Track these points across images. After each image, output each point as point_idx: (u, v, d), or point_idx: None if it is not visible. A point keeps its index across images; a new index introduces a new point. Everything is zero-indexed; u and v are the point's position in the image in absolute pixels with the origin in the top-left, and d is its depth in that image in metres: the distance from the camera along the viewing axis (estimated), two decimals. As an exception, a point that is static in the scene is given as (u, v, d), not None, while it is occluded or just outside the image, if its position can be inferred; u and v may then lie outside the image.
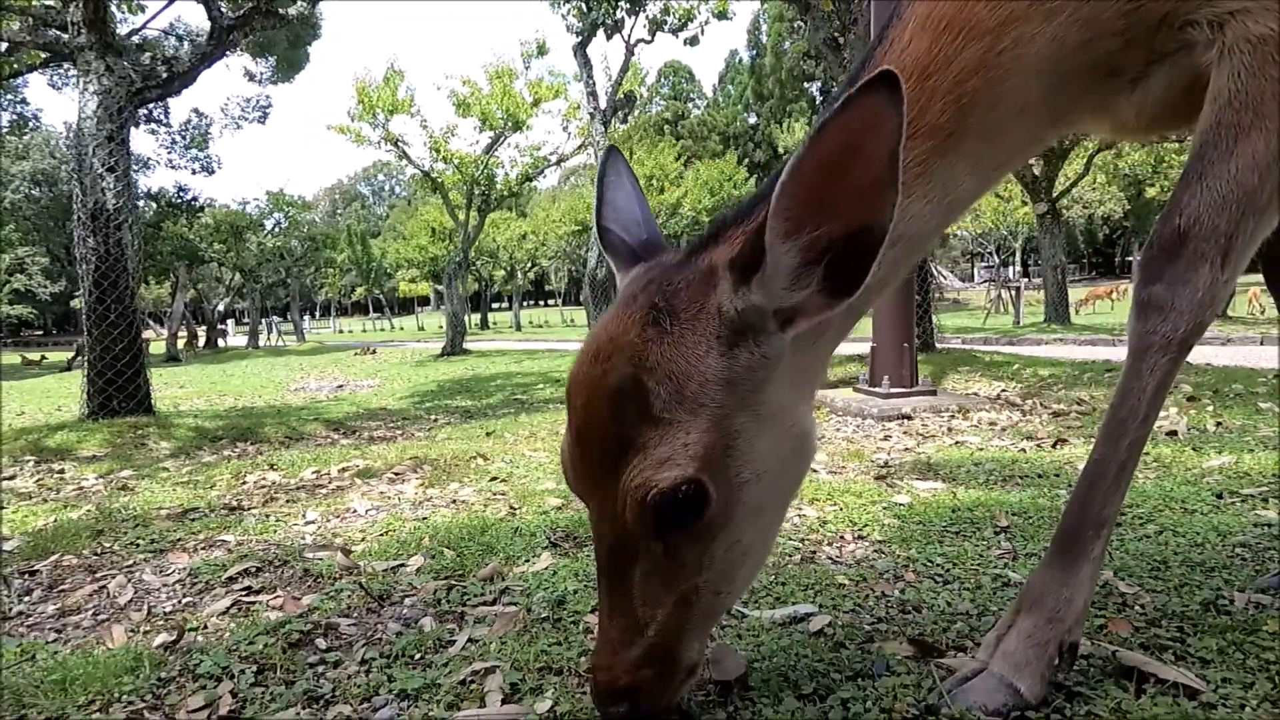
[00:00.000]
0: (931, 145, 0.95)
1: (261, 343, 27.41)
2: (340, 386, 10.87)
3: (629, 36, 13.24)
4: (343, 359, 16.63)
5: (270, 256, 26.87)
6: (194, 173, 24.63)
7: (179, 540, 2.31)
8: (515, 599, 1.59)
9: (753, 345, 0.88)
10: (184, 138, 24.14)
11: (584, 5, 11.91)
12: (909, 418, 4.59)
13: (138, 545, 2.27)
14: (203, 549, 2.21)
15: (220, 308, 30.73)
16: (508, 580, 1.72)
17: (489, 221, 22.13)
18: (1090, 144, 14.04)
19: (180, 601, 1.76)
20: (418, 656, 1.34)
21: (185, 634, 1.51)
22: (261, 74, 17.00)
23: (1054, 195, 14.30)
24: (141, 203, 25.79)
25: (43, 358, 21.00)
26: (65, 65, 9.78)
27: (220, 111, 24.90)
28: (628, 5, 12.62)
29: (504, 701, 1.12)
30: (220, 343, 28.18)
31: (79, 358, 19.18)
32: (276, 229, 27.36)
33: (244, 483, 3.44)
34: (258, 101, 25.15)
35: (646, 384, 0.85)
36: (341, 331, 44.56)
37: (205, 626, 1.55)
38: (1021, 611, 1.07)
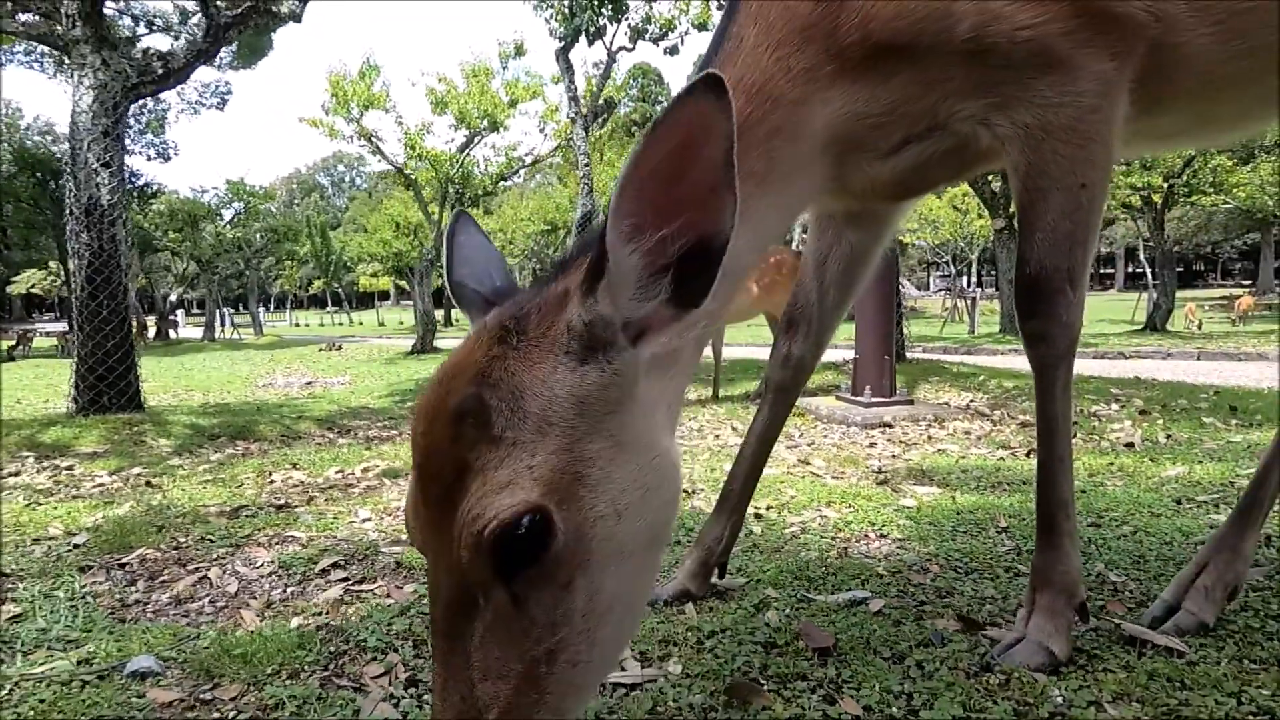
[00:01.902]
0: (752, 187, 1.03)
1: (216, 335, 26.70)
2: (310, 383, 10.79)
3: (611, 43, 13.47)
4: (307, 354, 16.39)
5: (229, 247, 26.21)
6: (149, 159, 23.89)
7: (249, 536, 2.46)
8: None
9: (604, 362, 0.83)
10: (139, 121, 23.39)
11: (568, 11, 12.08)
12: (890, 425, 4.94)
13: (210, 541, 2.41)
14: (277, 544, 2.38)
15: (173, 298, 29.80)
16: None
17: (459, 219, 21.98)
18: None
19: (286, 590, 1.94)
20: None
21: (319, 617, 1.70)
22: (221, 59, 16.66)
23: (1010, 211, 15.03)
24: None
25: (-21, 347, 20.11)
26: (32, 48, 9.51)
27: (177, 96, 24.20)
28: (610, 12, 12.83)
29: (642, 667, 1.36)
30: (171, 334, 27.35)
31: (20, 346, 18.48)
32: (236, 219, 26.70)
33: (272, 481, 3.56)
34: (216, 87, 24.53)
35: (488, 401, 0.80)
36: (299, 325, 43.56)
37: (328, 612, 1.74)
38: (1038, 591, 1.36)
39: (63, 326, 24.23)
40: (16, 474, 4.07)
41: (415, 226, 25.41)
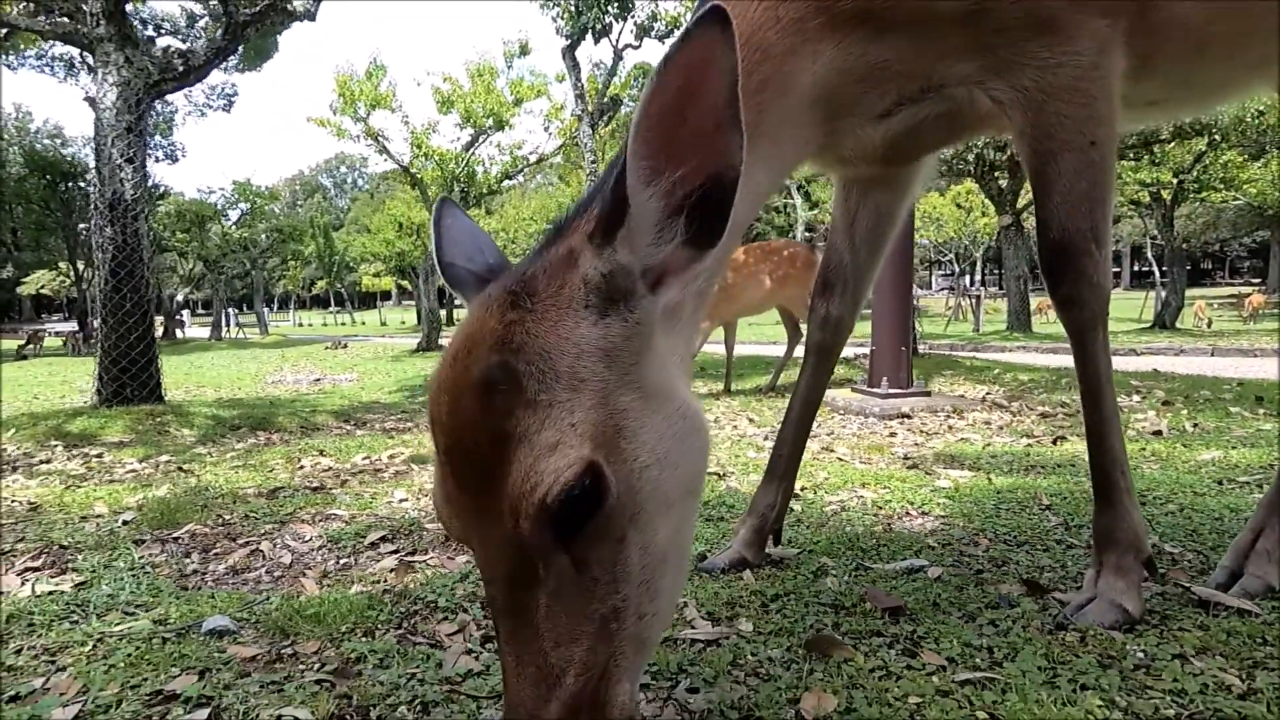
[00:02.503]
0: None
1: (222, 334, 26.78)
2: (318, 380, 10.82)
3: (617, 41, 13.51)
4: (313, 353, 16.45)
5: (234, 247, 26.31)
6: (157, 160, 24.00)
7: (291, 514, 2.48)
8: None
9: (625, 311, 0.82)
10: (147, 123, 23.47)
11: (574, 9, 12.11)
12: (908, 416, 4.95)
13: (254, 518, 2.43)
14: (320, 521, 2.40)
15: (179, 298, 29.91)
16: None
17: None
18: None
19: (339, 562, 1.96)
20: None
21: (379, 584, 1.71)
22: (228, 62, 16.75)
23: (1018, 208, 15.04)
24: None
25: (-8, 346, 20.31)
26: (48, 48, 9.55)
27: (184, 98, 24.31)
28: (616, 10, 12.86)
29: (713, 625, 1.37)
30: (178, 334, 27.46)
31: (31, 345, 18.61)
32: (243, 219, 26.79)
33: (302, 466, 3.59)
34: (223, 89, 24.62)
35: (516, 367, 0.77)
36: (302, 325, 43.66)
37: (387, 579, 1.76)
38: (1103, 552, 1.38)
39: (71, 326, 24.38)
40: (48, 461, 4.11)
41: (418, 226, 25.45)
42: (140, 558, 2.00)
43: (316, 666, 1.28)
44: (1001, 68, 1.23)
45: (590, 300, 0.82)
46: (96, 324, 5.98)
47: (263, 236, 27.28)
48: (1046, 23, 1.20)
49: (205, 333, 27.72)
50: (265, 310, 33.93)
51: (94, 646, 1.38)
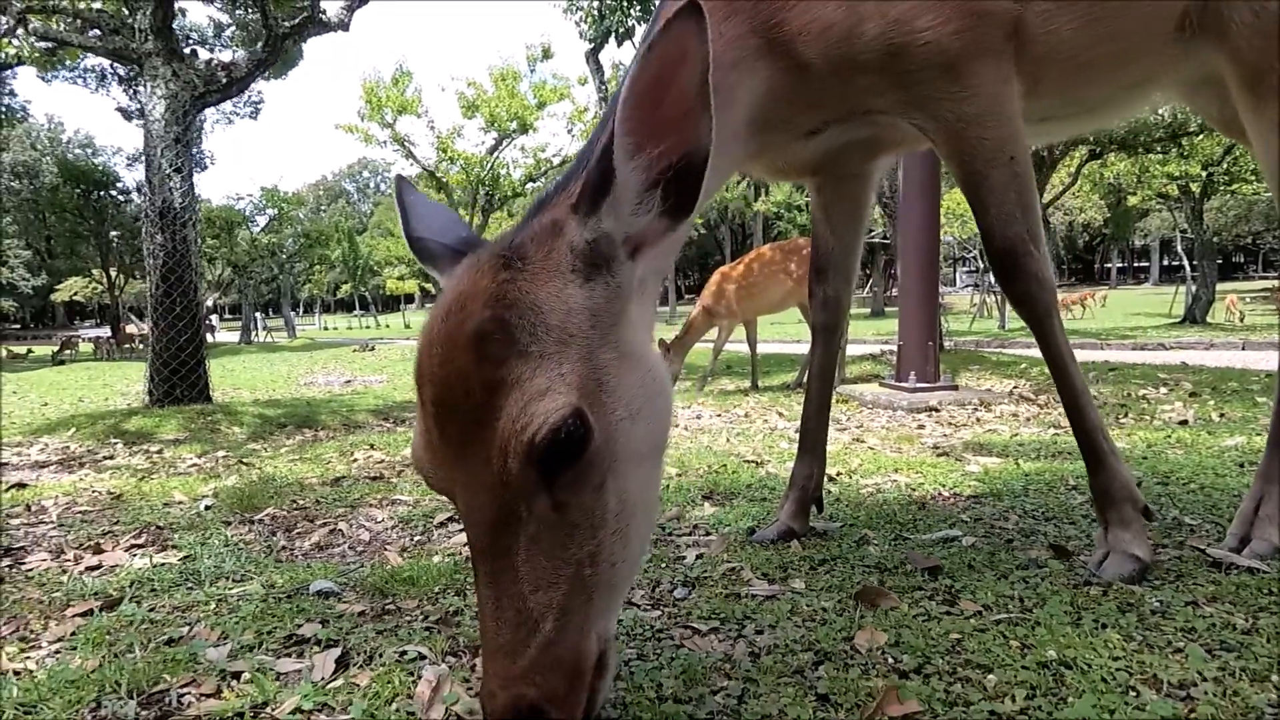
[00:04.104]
0: None
1: (251, 338, 27.36)
2: (349, 381, 11.08)
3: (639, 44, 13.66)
4: (342, 355, 16.78)
5: (262, 253, 26.88)
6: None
7: (359, 499, 2.66)
8: (710, 531, 1.99)
9: (608, 275, 0.90)
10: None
11: (597, 13, 12.30)
12: (936, 410, 5.04)
13: (326, 503, 2.62)
14: (388, 505, 2.57)
15: (209, 303, 30.58)
16: (690, 521, 2.11)
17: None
18: (1079, 154, 14.71)
19: (414, 539, 2.13)
20: (671, 566, 1.73)
21: (458, 557, 1.88)
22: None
23: (1043, 204, 14.96)
24: (136, 196, 25.70)
25: (29, 351, 21.00)
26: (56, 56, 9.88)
27: (213, 106, 24.86)
28: (640, 13, 13.02)
29: (769, 584, 1.52)
30: (208, 338, 28.04)
31: (67, 350, 19.20)
32: (270, 225, 27.37)
33: (355, 459, 3.78)
34: (250, 97, 25.16)
35: (509, 320, 0.83)
36: (328, 328, 44.34)
37: (461, 552, 1.93)
38: (1105, 510, 1.51)
39: (103, 332, 25.08)
40: (111, 457, 4.35)
41: (444, 230, 25.82)
42: (232, 535, 2.19)
43: (420, 618, 1.44)
44: (920, 102, 1.40)
45: (577, 265, 0.89)
46: (148, 327, 6.26)
47: (290, 242, 27.85)
48: (951, 61, 1.35)
49: (234, 337, 28.32)
50: (292, 314, 34.59)
51: (217, 605, 1.56)
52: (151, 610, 1.55)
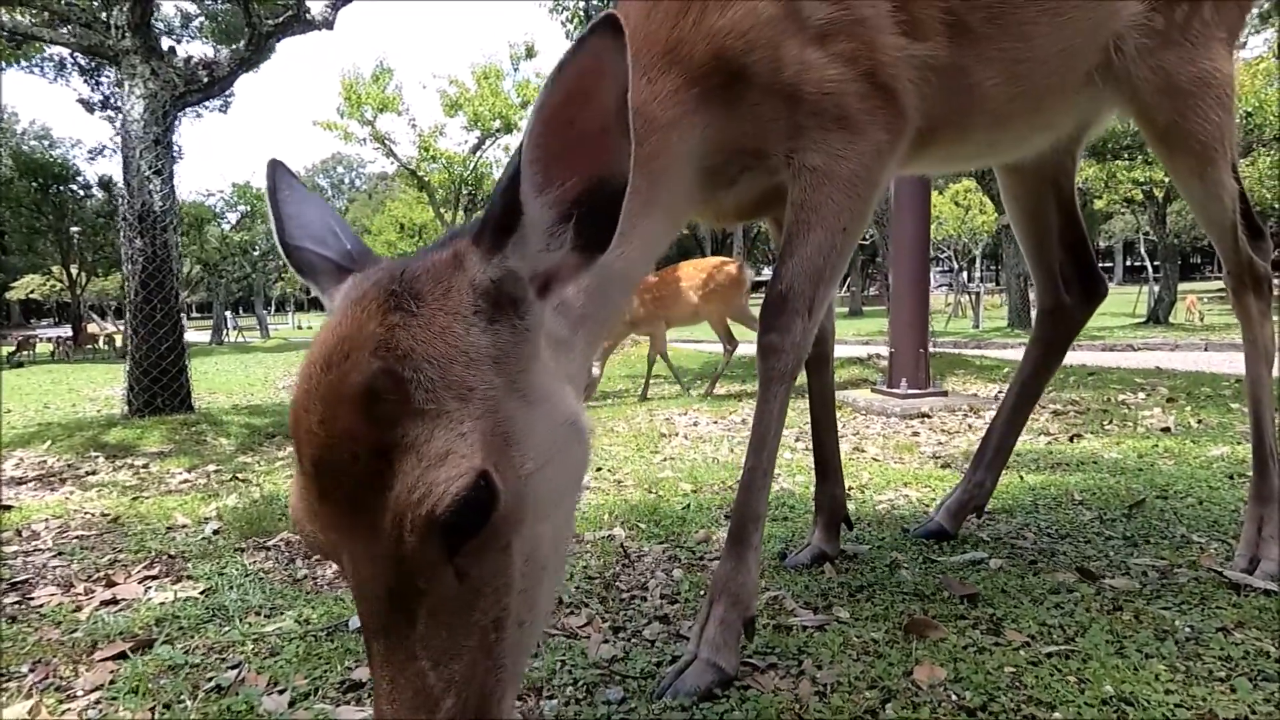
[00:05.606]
0: (638, 206, 1.09)
1: (223, 339, 26.79)
2: (329, 385, 10.88)
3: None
4: (320, 357, 16.52)
5: (234, 250, 26.34)
6: (155, 163, 23.93)
7: (371, 520, 2.63)
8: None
9: (514, 318, 0.82)
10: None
11: (583, 13, 12.26)
12: (928, 416, 5.13)
13: (337, 524, 2.58)
14: (401, 526, 2.55)
15: (176, 302, 29.87)
16: (716, 543, 2.13)
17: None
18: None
19: (438, 565, 2.12)
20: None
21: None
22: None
23: (1014, 208, 15.26)
24: (96, 192, 24.98)
25: (-20, 354, 20.28)
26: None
27: (193, 106, 24.26)
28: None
29: (814, 614, 1.54)
30: (178, 338, 27.39)
31: (23, 351, 18.53)
32: (243, 222, 26.82)
33: (354, 474, 3.73)
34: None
35: (402, 374, 0.74)
36: (301, 327, 43.60)
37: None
38: (714, 602, 1.34)
39: (62, 332, 24.33)
40: (94, 473, 4.22)
41: (420, 228, 25.59)
42: (250, 564, 2.15)
43: (469, 657, 1.44)
44: (803, 147, 1.39)
45: (479, 305, 0.80)
46: (127, 334, 6.10)
47: (262, 239, 27.31)
48: (845, 119, 1.36)
49: (204, 337, 27.69)
50: (265, 313, 33.93)
51: (255, 645, 1.54)
52: (187, 653, 1.52)
